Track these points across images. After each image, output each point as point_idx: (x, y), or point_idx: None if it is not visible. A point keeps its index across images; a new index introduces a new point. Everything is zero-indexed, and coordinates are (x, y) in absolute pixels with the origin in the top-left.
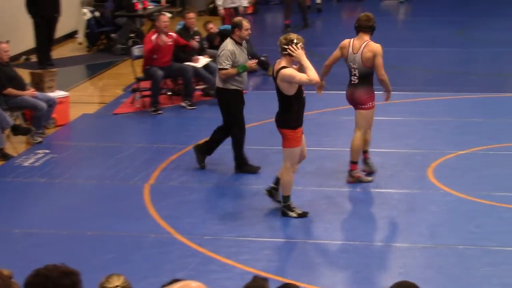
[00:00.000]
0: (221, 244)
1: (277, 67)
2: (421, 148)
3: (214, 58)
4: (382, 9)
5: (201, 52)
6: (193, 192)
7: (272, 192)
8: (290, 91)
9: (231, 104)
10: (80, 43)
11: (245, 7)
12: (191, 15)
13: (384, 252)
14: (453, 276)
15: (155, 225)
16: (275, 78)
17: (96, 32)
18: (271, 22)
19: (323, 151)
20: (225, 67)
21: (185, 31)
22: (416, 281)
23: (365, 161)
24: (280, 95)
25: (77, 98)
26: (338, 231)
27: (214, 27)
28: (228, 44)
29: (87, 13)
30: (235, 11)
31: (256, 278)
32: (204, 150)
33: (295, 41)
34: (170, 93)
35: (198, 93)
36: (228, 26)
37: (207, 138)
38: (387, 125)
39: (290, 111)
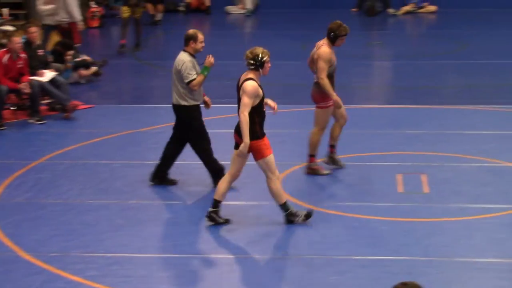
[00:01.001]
0: (68, 261)
1: (243, 77)
2: (278, 161)
3: (60, 71)
4: (228, 22)
5: (46, 66)
6: (39, 208)
7: (212, 217)
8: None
9: (193, 119)
10: None
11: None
12: (33, 29)
13: (222, 264)
14: (301, 286)
15: None
16: (237, 90)
17: None
18: (117, 36)
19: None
20: (193, 78)
21: (28, 46)
22: None
23: (330, 155)
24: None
25: None
26: (186, 244)
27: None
28: (185, 57)
29: None
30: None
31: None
32: (160, 174)
33: (260, 55)
34: (15, 108)
35: (44, 107)
36: None
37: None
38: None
39: (252, 122)
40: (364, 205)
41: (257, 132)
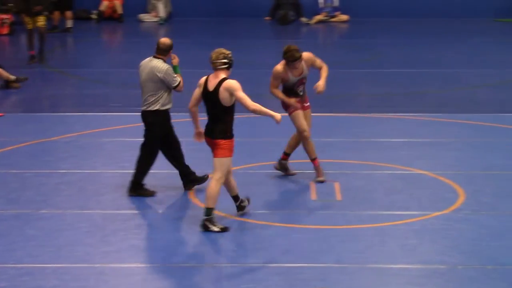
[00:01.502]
0: None
1: (215, 80)
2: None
3: None
4: (142, 30)
5: None
6: None
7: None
8: (229, 101)
9: (163, 124)
10: None
11: None
12: None
13: (134, 274)
14: None
15: None
16: (212, 92)
17: None
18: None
19: (84, 174)
20: (179, 81)
21: None
22: None
23: (280, 161)
24: (217, 106)
25: None
26: (99, 254)
27: None
28: (163, 64)
29: None
30: None
31: None
32: (136, 184)
33: (230, 54)
34: None
35: None
36: None
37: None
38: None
39: (226, 121)
40: (278, 213)
41: (229, 132)
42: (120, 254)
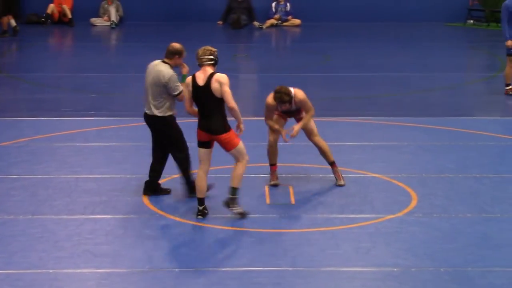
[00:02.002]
0: None
1: (204, 75)
2: (136, 173)
3: None
4: (93, 34)
5: None
6: None
7: (204, 212)
8: (220, 93)
9: (173, 128)
10: None
11: None
12: None
13: (88, 279)
14: None
15: None
16: (204, 86)
17: None
18: None
19: (36, 179)
20: (181, 89)
21: None
22: None
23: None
24: (210, 99)
25: None
26: (52, 260)
27: None
28: (169, 70)
29: None
30: None
31: None
32: (153, 187)
33: (215, 51)
34: None
35: None
36: None
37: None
38: (101, 151)
39: (221, 114)
40: (232, 217)
41: (226, 124)
42: (73, 260)
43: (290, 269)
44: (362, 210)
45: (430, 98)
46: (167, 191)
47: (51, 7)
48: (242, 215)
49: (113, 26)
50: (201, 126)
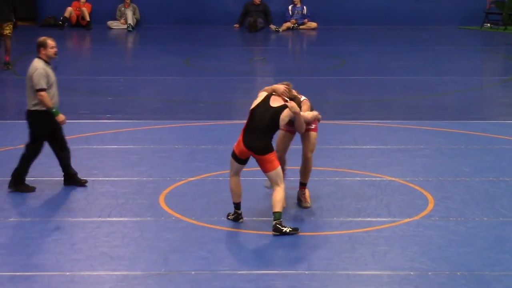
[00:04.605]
0: None
1: (281, 101)
2: (152, 176)
3: None
4: (110, 37)
5: None
6: None
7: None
8: (283, 124)
9: (43, 124)
10: None
11: None
12: None
13: (104, 282)
14: None
15: None
16: (276, 109)
17: None
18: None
19: (53, 181)
20: (44, 87)
21: None
22: None
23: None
24: (272, 123)
25: None
26: (69, 262)
27: None
28: (39, 64)
29: None
30: None
31: None
32: (18, 181)
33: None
34: None
35: None
36: None
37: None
38: (117, 153)
39: (270, 137)
40: (248, 220)
41: (270, 145)
42: (90, 262)
43: (306, 272)
44: (379, 214)
45: (446, 101)
46: (31, 189)
47: (69, 10)
48: (296, 231)
49: (130, 29)
50: (245, 142)
